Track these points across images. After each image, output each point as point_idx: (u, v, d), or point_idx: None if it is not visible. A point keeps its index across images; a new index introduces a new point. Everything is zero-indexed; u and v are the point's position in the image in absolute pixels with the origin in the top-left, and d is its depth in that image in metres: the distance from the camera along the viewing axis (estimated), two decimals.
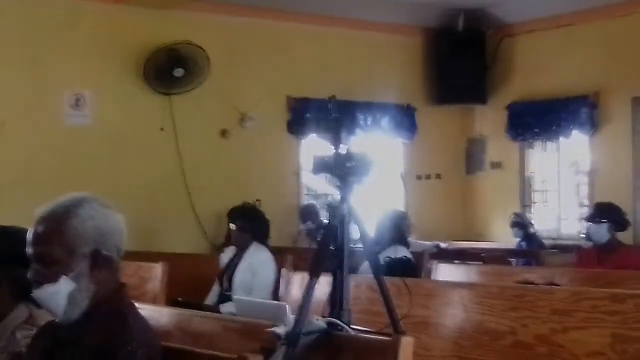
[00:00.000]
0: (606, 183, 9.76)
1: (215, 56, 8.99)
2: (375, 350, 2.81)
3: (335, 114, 3.24)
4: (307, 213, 9.32)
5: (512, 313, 4.34)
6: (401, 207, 9.79)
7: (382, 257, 6.30)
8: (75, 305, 2.52)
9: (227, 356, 2.47)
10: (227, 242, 7.29)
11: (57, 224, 2.54)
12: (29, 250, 2.56)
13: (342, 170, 3.22)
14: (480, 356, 4.32)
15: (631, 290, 4.62)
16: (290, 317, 3.12)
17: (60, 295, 2.51)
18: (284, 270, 5.35)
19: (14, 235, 2.99)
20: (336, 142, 3.22)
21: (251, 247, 6.63)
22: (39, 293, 2.53)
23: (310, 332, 2.97)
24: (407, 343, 2.70)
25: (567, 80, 10.12)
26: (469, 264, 7.12)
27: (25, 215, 2.82)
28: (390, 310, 3.27)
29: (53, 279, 2.51)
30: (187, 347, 2.61)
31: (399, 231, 6.86)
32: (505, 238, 10.19)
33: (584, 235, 7.40)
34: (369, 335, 3.04)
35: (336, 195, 3.32)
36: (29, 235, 2.57)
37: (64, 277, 2.51)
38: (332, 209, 3.29)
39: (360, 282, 4.31)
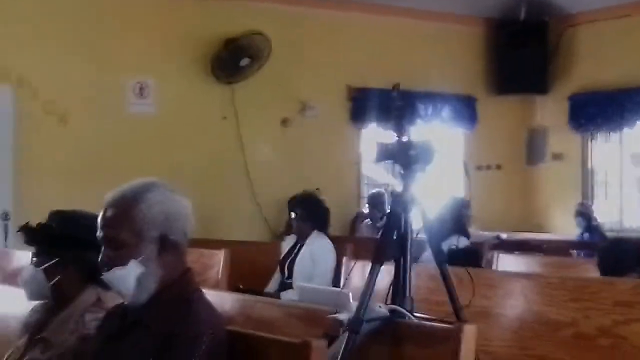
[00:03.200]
0: None
1: (276, 46, 9.02)
2: (438, 338, 2.81)
3: (400, 102, 3.25)
4: (375, 201, 9.27)
5: (573, 304, 4.31)
6: (461, 197, 9.74)
7: (445, 246, 6.29)
8: (143, 289, 2.56)
9: (291, 341, 2.49)
10: (288, 230, 7.34)
11: (126, 208, 2.59)
12: (99, 233, 2.61)
13: (405, 158, 3.23)
14: (541, 347, 4.29)
15: None
16: (353, 304, 3.13)
17: (129, 278, 2.55)
18: (344, 259, 5.37)
19: (82, 219, 3.05)
20: (399, 130, 3.23)
21: (311, 235, 6.65)
22: (108, 276, 2.58)
23: (373, 319, 2.98)
24: (470, 331, 2.71)
25: (631, 70, 9.97)
26: (529, 255, 7.07)
27: (90, 201, 2.88)
28: (453, 299, 3.28)
29: (122, 262, 2.56)
30: (252, 332, 2.64)
31: (460, 220, 6.85)
32: (565, 230, 10.11)
33: None
34: (432, 323, 3.05)
35: (398, 184, 3.32)
36: (99, 219, 2.62)
37: (133, 260, 2.55)
38: (396, 197, 3.30)
39: (422, 271, 4.30)
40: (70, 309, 3.04)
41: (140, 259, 2.56)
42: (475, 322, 2.89)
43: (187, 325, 2.48)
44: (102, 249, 2.61)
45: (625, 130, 10.40)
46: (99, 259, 2.61)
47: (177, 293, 2.58)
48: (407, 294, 3.20)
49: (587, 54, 10.55)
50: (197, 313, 2.53)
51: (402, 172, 3.24)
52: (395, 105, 3.23)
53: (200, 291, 2.65)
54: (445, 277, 3.31)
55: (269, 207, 9.12)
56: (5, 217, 7.42)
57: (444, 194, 8.60)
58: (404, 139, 3.23)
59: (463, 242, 6.72)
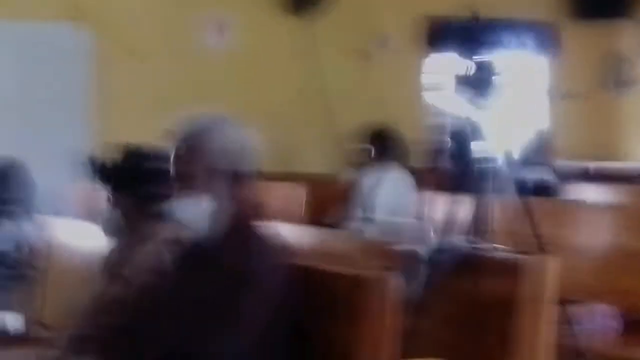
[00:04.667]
0: None
1: None
2: (520, 270, 2.74)
3: (473, 28, 3.15)
4: (455, 134, 9.13)
5: None
6: (545, 127, 9.55)
7: (527, 179, 6.17)
8: (215, 224, 2.54)
9: (362, 275, 2.44)
10: (367, 164, 7.27)
11: (196, 142, 2.56)
12: (171, 168, 2.59)
13: (481, 86, 3.14)
14: (627, 281, 4.19)
15: None
16: (432, 238, 3.08)
17: (201, 213, 2.53)
18: (424, 191, 5.31)
19: (152, 155, 3.03)
20: (474, 56, 3.15)
21: (390, 168, 6.61)
22: (181, 211, 2.56)
23: (451, 252, 2.93)
24: (552, 263, 2.63)
25: None
26: (615, 185, 6.91)
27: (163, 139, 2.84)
28: (535, 231, 3.20)
29: (194, 197, 2.54)
30: (326, 267, 2.60)
31: (542, 153, 6.72)
32: None
33: None
34: (513, 255, 2.97)
35: (472, 114, 3.25)
36: (171, 154, 2.60)
37: (205, 195, 2.53)
38: (473, 128, 3.22)
39: (504, 204, 4.22)
40: (146, 246, 3.03)
41: (211, 194, 2.53)
42: (559, 254, 2.81)
43: (259, 261, 2.45)
44: (174, 184, 2.59)
45: None
46: (172, 194, 2.59)
47: (249, 228, 2.55)
48: (487, 227, 3.13)
49: None
50: (268, 248, 2.50)
51: (478, 101, 3.16)
52: (469, 29, 3.14)
53: (273, 226, 2.61)
54: (526, 210, 3.23)
55: (350, 141, 9.05)
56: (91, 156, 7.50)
57: (528, 124, 8.43)
58: (480, 67, 3.15)
59: (545, 173, 6.58)
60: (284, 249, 2.56)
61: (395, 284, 2.39)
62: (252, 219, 2.59)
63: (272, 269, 2.46)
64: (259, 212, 2.62)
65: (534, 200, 3.52)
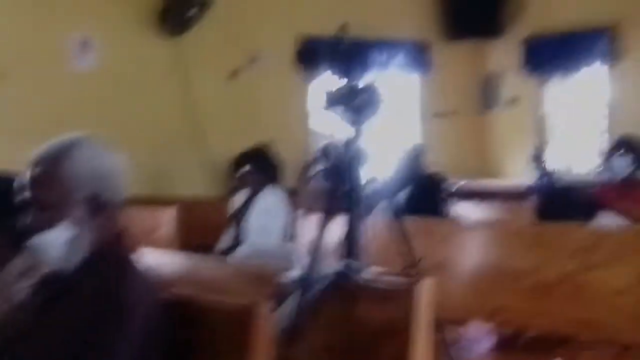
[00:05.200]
0: (626, 118, 9.53)
1: None
2: (392, 294, 2.68)
3: (346, 45, 3.09)
4: (326, 153, 9.13)
5: (532, 252, 4.22)
6: (418, 146, 9.65)
7: (400, 197, 6.17)
8: (73, 253, 2.38)
9: (234, 304, 2.33)
10: (240, 185, 7.18)
11: (51, 166, 2.40)
12: (25, 195, 2.43)
13: (354, 104, 3.07)
14: (501, 297, 4.21)
15: None
16: (303, 262, 3.00)
17: (57, 242, 2.37)
18: (297, 212, 5.24)
19: (8, 181, 2.86)
20: (348, 75, 3.08)
21: (263, 189, 6.53)
22: (36, 241, 2.40)
23: (323, 277, 2.85)
24: (425, 285, 2.58)
25: (587, 11, 9.83)
26: (486, 202, 7.00)
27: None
28: (407, 252, 3.15)
29: (50, 225, 2.38)
30: (193, 296, 2.47)
31: (416, 172, 6.75)
32: (521, 176, 10.03)
33: (600, 169, 7.15)
34: (386, 279, 2.91)
35: (346, 135, 3.18)
36: (24, 179, 2.44)
37: (61, 223, 2.37)
38: (343, 147, 3.15)
39: (380, 225, 4.18)
40: (6, 278, 2.86)
41: (68, 221, 2.37)
42: (436, 274, 2.77)
43: (118, 290, 2.31)
44: (28, 211, 2.42)
45: (580, 74, 10.30)
46: (25, 222, 2.43)
47: (109, 256, 2.40)
48: (359, 250, 3.06)
49: None
50: (129, 277, 2.35)
51: (349, 119, 3.09)
52: (342, 47, 3.07)
53: (135, 253, 2.47)
54: (398, 230, 3.17)
55: (220, 162, 8.93)
56: None
57: (400, 143, 8.49)
58: (351, 84, 3.08)
59: (421, 193, 6.62)
60: (152, 278, 2.42)
61: (268, 313, 2.28)
62: (116, 247, 2.45)
63: (139, 299, 2.32)
64: (125, 239, 2.48)
65: (409, 220, 3.47)
